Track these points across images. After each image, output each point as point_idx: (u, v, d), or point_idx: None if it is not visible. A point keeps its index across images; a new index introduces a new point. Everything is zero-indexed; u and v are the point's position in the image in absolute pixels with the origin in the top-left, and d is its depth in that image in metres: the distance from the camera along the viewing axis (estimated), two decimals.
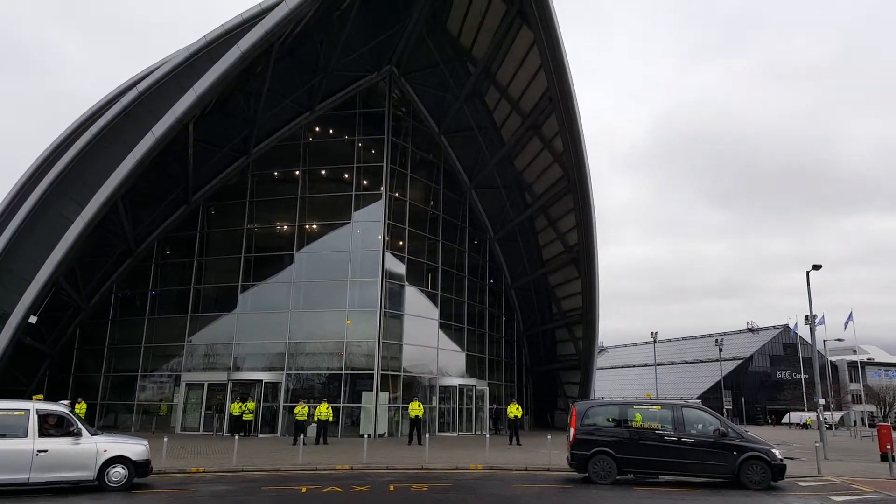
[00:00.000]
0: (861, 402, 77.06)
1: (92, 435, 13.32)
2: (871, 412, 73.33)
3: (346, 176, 33.76)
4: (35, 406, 13.07)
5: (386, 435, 29.97)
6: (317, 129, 35.18)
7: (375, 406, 29.46)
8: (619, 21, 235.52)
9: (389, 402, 30.88)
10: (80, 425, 13.21)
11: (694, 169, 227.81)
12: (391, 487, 14.16)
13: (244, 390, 30.03)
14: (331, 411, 25.58)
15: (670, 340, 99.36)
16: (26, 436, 12.45)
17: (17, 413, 12.73)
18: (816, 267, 27.26)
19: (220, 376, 30.80)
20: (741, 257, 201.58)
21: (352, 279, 31.48)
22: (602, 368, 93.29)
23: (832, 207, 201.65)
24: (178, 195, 33.14)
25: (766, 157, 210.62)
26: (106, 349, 34.00)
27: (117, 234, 31.22)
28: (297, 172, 34.16)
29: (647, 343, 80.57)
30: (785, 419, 74.76)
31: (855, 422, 67.33)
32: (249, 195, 34.04)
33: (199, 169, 32.00)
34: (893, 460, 18.68)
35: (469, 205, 40.67)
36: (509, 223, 40.11)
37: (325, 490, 13.68)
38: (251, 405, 28.39)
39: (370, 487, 14.15)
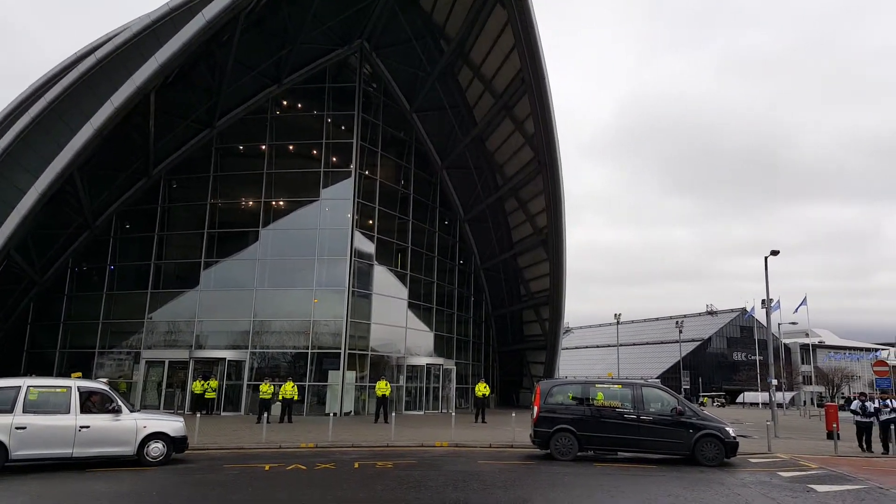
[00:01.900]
0: (811, 383, 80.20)
1: (131, 412, 13.77)
2: (821, 393, 76.34)
3: (315, 152, 33.23)
4: (76, 384, 13.52)
5: (352, 413, 30.03)
6: (285, 102, 34.47)
7: (342, 385, 29.42)
8: (586, 10, 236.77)
9: (356, 381, 30.87)
10: (120, 402, 13.66)
11: (657, 156, 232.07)
12: (356, 465, 14.21)
13: (206, 368, 29.63)
14: (296, 390, 25.46)
15: (633, 322, 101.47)
16: (69, 412, 12.90)
17: (59, 390, 13.21)
18: (774, 253, 28.01)
19: (181, 354, 30.31)
20: (702, 243, 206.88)
21: (319, 257, 31.17)
22: (567, 349, 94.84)
23: (789, 196, 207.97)
24: (138, 167, 32.20)
25: (728, 147, 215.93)
26: (62, 325, 33.09)
27: (74, 207, 30.21)
28: (264, 147, 33.47)
29: (610, 324, 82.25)
30: (739, 398, 77.34)
31: (805, 402, 70.05)
32: (213, 169, 33.27)
33: (161, 141, 31.11)
34: (838, 438, 19.52)
35: (440, 185, 40.54)
36: (480, 204, 40.16)
37: (288, 468, 13.65)
38: (214, 383, 28.08)
39: (334, 465, 14.18)
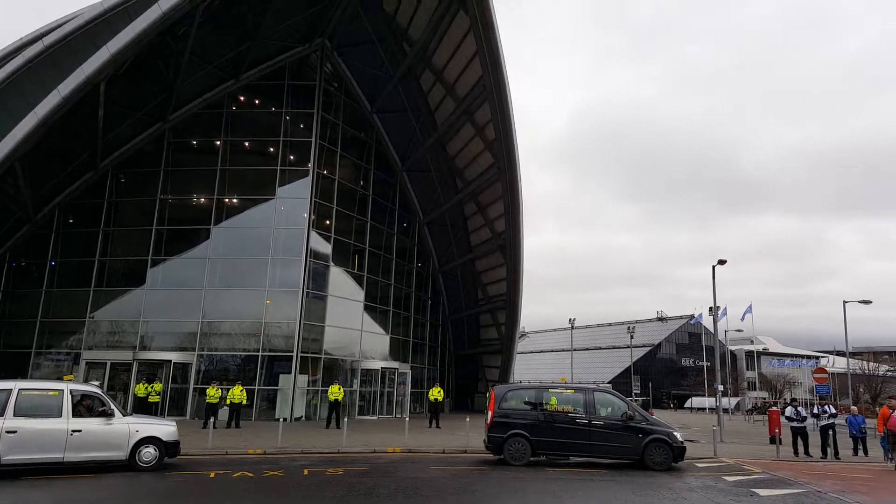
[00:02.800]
0: (755, 389, 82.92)
1: (124, 416, 13.62)
2: (764, 398, 78.91)
3: (272, 149, 32.57)
4: (69, 387, 13.32)
5: (303, 419, 29.49)
6: (242, 98, 33.72)
7: (293, 389, 28.87)
8: (540, 19, 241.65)
9: (308, 385, 30.34)
10: (113, 406, 13.52)
11: (608, 164, 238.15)
12: (305, 472, 13.92)
13: (151, 371, 28.62)
14: (245, 394, 24.85)
15: (587, 327, 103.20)
16: (60, 416, 12.72)
17: (51, 393, 13.05)
18: (721, 262, 28.85)
19: (125, 355, 29.18)
20: (651, 249, 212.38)
21: (273, 257, 30.53)
22: (522, 353, 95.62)
23: (733, 206, 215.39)
24: (85, 160, 30.94)
25: (675, 157, 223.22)
26: None
27: (13, 199, 28.80)
28: (219, 143, 32.63)
29: (565, 329, 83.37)
30: (687, 403, 79.36)
31: (749, 407, 72.24)
32: (165, 164, 32.23)
33: (110, 133, 29.96)
34: (780, 443, 20.19)
35: (400, 187, 40.34)
36: (440, 207, 40.13)
37: (234, 475, 13.28)
38: (158, 386, 27.12)
39: (283, 472, 13.85)
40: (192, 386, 28.59)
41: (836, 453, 19.85)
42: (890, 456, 17.05)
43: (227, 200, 31.99)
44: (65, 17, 25.72)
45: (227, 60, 31.76)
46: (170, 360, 28.80)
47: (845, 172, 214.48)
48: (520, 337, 52.24)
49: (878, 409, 56.12)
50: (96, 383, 21.96)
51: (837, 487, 13.11)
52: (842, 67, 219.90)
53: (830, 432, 20.10)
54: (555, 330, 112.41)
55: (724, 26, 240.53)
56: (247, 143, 33.32)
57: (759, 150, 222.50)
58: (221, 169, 32.01)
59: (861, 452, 20.72)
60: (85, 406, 13.22)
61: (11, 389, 12.59)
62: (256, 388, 28.64)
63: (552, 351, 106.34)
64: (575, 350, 76.42)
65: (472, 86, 31.31)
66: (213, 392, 23.89)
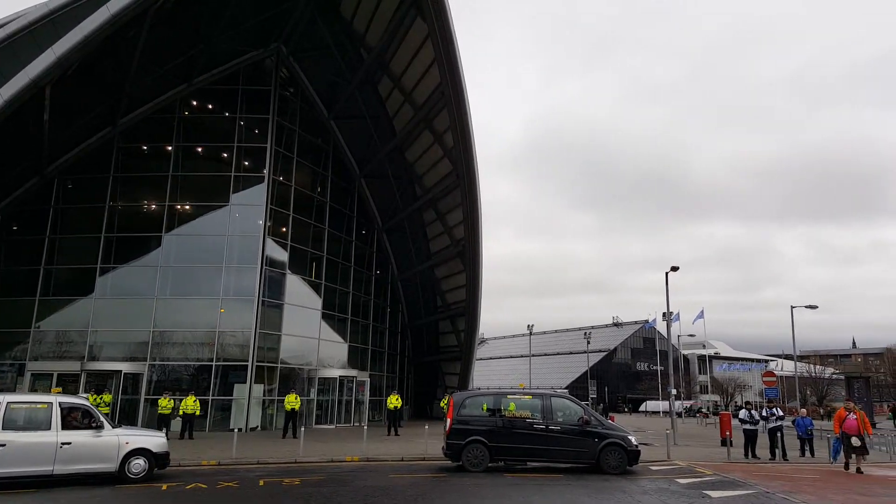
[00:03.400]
0: (708, 392, 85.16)
1: (113, 428, 13.62)
2: (716, 401, 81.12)
3: (226, 155, 31.96)
4: (58, 399, 13.29)
5: (259, 429, 28.92)
6: (194, 103, 33.01)
7: (248, 399, 28.30)
8: (497, 30, 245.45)
9: (264, 395, 29.79)
10: (102, 418, 13.49)
11: (564, 173, 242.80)
12: (261, 482, 13.66)
13: (100, 381, 27.62)
14: (198, 404, 24.24)
15: (545, 333, 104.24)
16: (50, 428, 12.71)
17: (40, 406, 13.02)
18: (674, 268, 29.59)
19: (72, 366, 28.07)
20: (606, 256, 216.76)
21: (228, 265, 29.91)
22: (482, 359, 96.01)
23: (685, 215, 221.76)
24: (29, 165, 29.77)
25: (629, 167, 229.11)
26: None
27: None
28: (170, 148, 31.84)
29: (523, 335, 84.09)
30: (642, 407, 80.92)
31: (703, 409, 74.11)
32: (114, 169, 31.27)
33: (57, 137, 28.91)
34: (731, 445, 20.77)
35: (358, 194, 40.09)
36: (399, 214, 40.02)
37: (188, 487, 12.95)
38: (107, 397, 26.19)
39: (237, 483, 13.55)
40: (143, 397, 27.74)
41: (784, 454, 20.50)
42: (835, 458, 17.45)
43: (179, 207, 31.21)
44: (6, 17, 24.74)
45: (180, 64, 31.08)
46: (120, 371, 27.87)
47: (788, 182, 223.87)
48: (479, 343, 52.47)
49: (822, 410, 58.40)
50: (85, 396, 21.49)
51: (785, 488, 13.54)
52: (785, 82, 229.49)
53: (779, 434, 20.77)
54: (514, 336, 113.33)
55: (673, 40, 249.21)
56: (200, 149, 32.64)
57: (708, 160, 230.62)
58: (173, 175, 31.25)
59: (808, 453, 21.46)
60: (74, 418, 13.19)
61: (0, 402, 12.53)
62: (210, 398, 27.96)
63: (511, 357, 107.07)
64: (533, 356, 77.15)
65: (430, 93, 31.41)
66: (165, 403, 23.24)
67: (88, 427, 13.18)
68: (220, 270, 29.79)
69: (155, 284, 29.57)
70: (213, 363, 28.59)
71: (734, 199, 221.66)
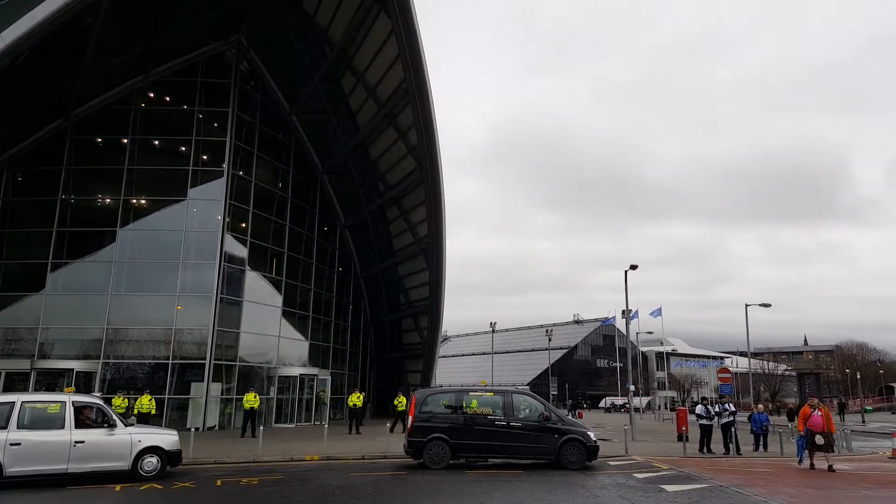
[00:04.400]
0: (665, 388, 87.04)
1: (126, 426, 13.75)
2: (673, 397, 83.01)
3: (184, 149, 31.20)
4: (70, 398, 13.45)
5: (217, 428, 28.37)
6: (152, 95, 32.14)
7: (206, 397, 27.72)
8: (458, 30, 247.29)
9: (222, 394, 29.22)
10: (115, 416, 13.62)
11: (526, 172, 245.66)
12: (218, 482, 13.41)
13: (51, 380, 26.70)
14: (154, 403, 23.55)
15: (507, 330, 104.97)
16: (63, 427, 12.81)
17: (53, 405, 13.20)
18: (633, 267, 30.15)
19: (21, 364, 27.06)
20: (568, 255, 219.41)
21: (185, 261, 29.22)
22: (445, 357, 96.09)
23: (643, 215, 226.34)
24: None
25: (590, 167, 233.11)
26: None
27: None
28: (126, 141, 30.91)
29: (486, 332, 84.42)
30: (602, 403, 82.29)
31: (659, 406, 75.82)
32: (67, 162, 30.24)
33: (6, 128, 27.84)
34: (687, 440, 21.25)
35: (320, 190, 39.64)
36: (362, 211, 39.72)
37: (142, 488, 12.64)
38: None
39: (194, 483, 13.27)
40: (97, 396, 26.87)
41: (738, 449, 21.04)
42: (801, 456, 17.44)
43: (135, 201, 30.38)
44: None
45: (137, 55, 30.16)
46: (72, 369, 26.98)
47: (743, 184, 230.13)
48: (442, 341, 52.50)
49: (771, 406, 60.23)
50: (98, 394, 21.11)
51: (738, 482, 13.91)
52: (739, 86, 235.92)
53: (732, 429, 21.34)
54: (476, 333, 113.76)
55: (633, 44, 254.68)
56: (157, 142, 31.79)
57: (666, 161, 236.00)
58: (129, 168, 30.39)
59: (762, 448, 22.08)
60: (87, 417, 13.32)
61: (14, 402, 12.71)
62: (166, 397, 27.31)
63: (474, 354, 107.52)
64: (496, 353, 77.60)
65: (394, 89, 31.22)
66: (119, 402, 22.55)
67: (101, 426, 13.30)
68: (178, 266, 29.10)
69: (109, 280, 28.72)
70: (170, 361, 27.92)
71: (691, 200, 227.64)
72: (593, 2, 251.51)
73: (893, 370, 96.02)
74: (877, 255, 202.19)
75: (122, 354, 28.15)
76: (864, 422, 48.68)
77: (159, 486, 12.77)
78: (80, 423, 13.09)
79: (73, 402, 13.23)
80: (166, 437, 14.18)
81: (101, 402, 14.07)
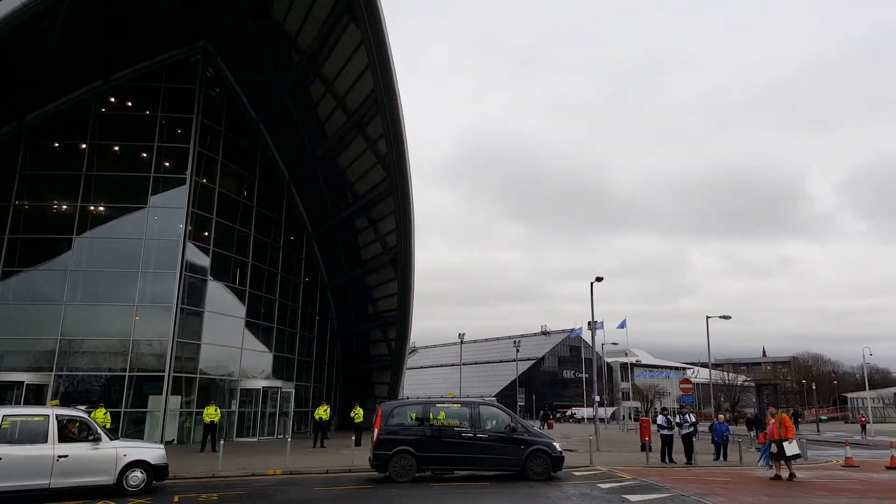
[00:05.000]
0: (630, 399, 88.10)
1: (111, 440, 13.52)
2: (637, 408, 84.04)
3: (145, 155, 30.46)
4: (54, 412, 13.17)
5: (175, 442, 27.54)
6: (112, 99, 31.35)
7: (164, 411, 26.94)
8: (426, 43, 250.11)
9: (182, 407, 28.46)
10: (100, 430, 13.40)
11: (492, 184, 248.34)
12: (176, 498, 12.99)
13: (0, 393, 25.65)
14: (108, 417, 22.68)
15: (475, 341, 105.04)
16: (46, 441, 12.56)
17: (36, 419, 12.95)
18: (599, 279, 30.48)
19: None
20: (533, 266, 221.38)
21: (144, 270, 28.44)
22: (413, 368, 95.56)
23: (606, 227, 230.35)
24: None
25: (555, 180, 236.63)
26: None
27: None
28: (85, 146, 30.07)
29: (454, 344, 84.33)
30: (572, 413, 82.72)
31: (623, 416, 76.64)
32: (21, 167, 29.26)
33: None
34: (650, 450, 21.44)
35: (287, 198, 39.16)
36: (330, 221, 39.33)
37: (99, 503, 12.17)
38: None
39: (150, 499, 12.81)
40: None
41: (690, 459, 21.17)
42: (770, 464, 17.27)
43: (93, 208, 29.53)
44: None
45: (98, 58, 29.50)
46: (22, 382, 25.98)
47: (701, 198, 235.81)
48: (410, 352, 52.18)
49: (728, 416, 61.34)
50: (82, 408, 20.44)
51: (699, 491, 14.05)
52: (695, 104, 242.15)
53: (693, 439, 21.62)
54: (445, 345, 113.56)
55: (593, 60, 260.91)
56: (117, 148, 30.99)
57: (627, 175, 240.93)
58: (87, 175, 29.56)
59: (722, 457, 22.40)
60: (71, 431, 13.12)
61: None
62: (123, 410, 26.43)
63: (442, 366, 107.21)
64: (464, 364, 77.45)
65: (363, 99, 31.11)
66: (100, 415, 21.69)
67: (86, 439, 13.09)
68: (137, 276, 28.30)
69: (64, 290, 27.78)
70: (127, 373, 27.08)
71: (652, 214, 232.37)
72: (553, 20, 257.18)
73: (847, 381, 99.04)
74: (830, 269, 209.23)
75: (77, 366, 27.20)
76: (818, 431, 49.92)
77: (113, 503, 12.30)
78: (64, 436, 12.87)
79: (56, 416, 12.99)
80: (152, 451, 13.99)
81: (85, 416, 13.84)
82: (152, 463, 13.62)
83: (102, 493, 13.04)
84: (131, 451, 13.53)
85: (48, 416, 12.91)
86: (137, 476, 13.32)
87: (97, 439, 13.15)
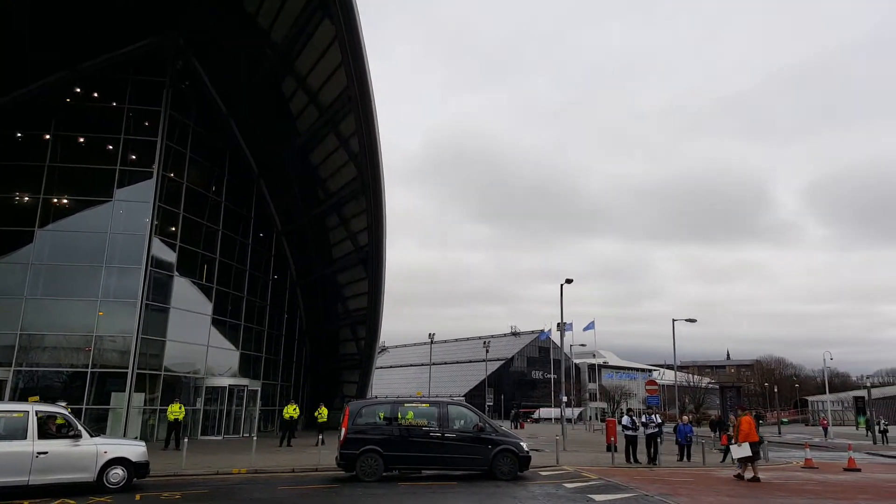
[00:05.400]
0: (597, 400, 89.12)
1: (91, 436, 13.43)
2: (604, 408, 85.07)
3: (111, 147, 29.79)
4: (34, 408, 13.08)
5: (139, 440, 26.96)
6: (78, 90, 30.58)
7: (127, 408, 26.40)
8: (395, 42, 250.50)
9: (146, 404, 27.93)
10: (80, 427, 13.32)
11: (461, 186, 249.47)
12: (137, 496, 12.75)
13: None
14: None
15: (445, 342, 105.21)
16: (26, 438, 12.48)
17: (16, 415, 12.79)
18: (569, 281, 30.81)
19: None
20: (503, 268, 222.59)
21: (108, 265, 27.81)
22: (382, 367, 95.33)
23: (574, 231, 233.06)
24: None
25: (523, 183, 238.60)
26: None
27: None
28: (49, 137, 29.34)
29: (424, 343, 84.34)
30: (536, 414, 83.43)
31: (590, 417, 77.55)
32: None
33: None
34: (615, 451, 21.76)
35: (257, 195, 38.68)
36: (300, 218, 38.95)
37: (54, 503, 11.86)
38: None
39: (111, 498, 12.55)
40: None
41: (653, 458, 21.56)
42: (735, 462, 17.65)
43: (56, 201, 28.78)
44: None
45: (64, 47, 28.71)
46: None
47: (665, 204, 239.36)
48: (380, 352, 51.99)
49: (690, 417, 62.65)
50: (63, 404, 19.89)
51: (663, 491, 14.31)
52: (659, 111, 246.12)
53: (658, 439, 22.00)
54: (415, 344, 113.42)
55: (561, 66, 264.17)
56: (82, 140, 30.23)
57: (594, 179, 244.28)
58: (51, 166, 28.81)
59: (686, 458, 22.83)
60: (51, 427, 12.99)
61: None
62: (84, 407, 25.80)
63: (412, 365, 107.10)
64: (434, 364, 77.56)
65: (336, 96, 30.89)
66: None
67: (66, 436, 12.98)
68: (101, 270, 27.67)
69: (25, 283, 27.04)
70: (89, 370, 26.45)
71: (617, 218, 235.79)
72: (521, 23, 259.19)
73: (808, 384, 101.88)
74: (791, 274, 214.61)
75: (37, 362, 26.49)
76: (780, 433, 51.16)
77: (71, 502, 12.01)
78: (44, 433, 12.74)
79: (36, 412, 12.87)
80: (133, 448, 13.91)
81: (66, 412, 13.68)
82: (133, 460, 13.58)
83: (82, 490, 12.94)
84: (112, 449, 13.48)
85: (28, 412, 12.79)
86: (118, 473, 13.28)
87: (77, 436, 13.07)
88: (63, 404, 18.23)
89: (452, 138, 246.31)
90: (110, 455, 13.28)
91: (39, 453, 12.43)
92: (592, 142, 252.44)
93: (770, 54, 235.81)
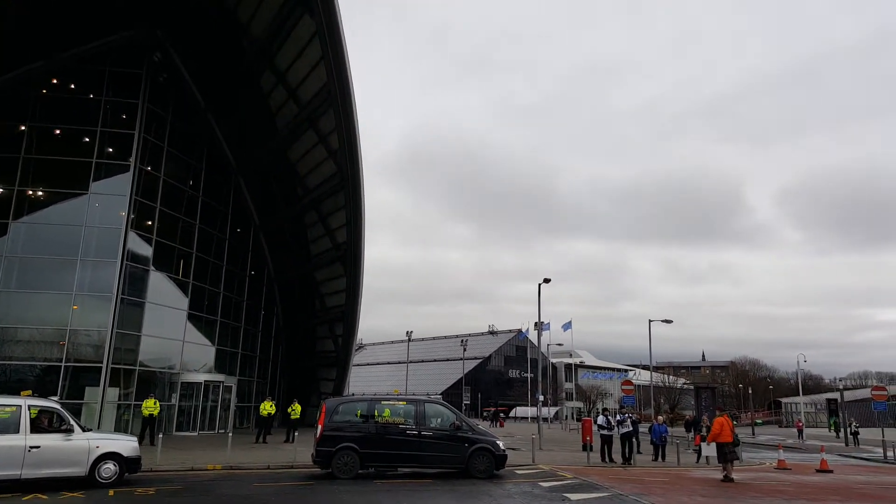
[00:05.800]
0: (573, 399, 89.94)
1: (84, 431, 13.49)
2: (580, 408, 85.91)
3: (87, 140, 29.29)
4: (26, 402, 13.06)
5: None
6: (54, 81, 30.02)
7: (101, 403, 26.04)
8: (374, 39, 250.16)
9: (120, 399, 27.58)
10: (72, 421, 13.36)
11: (439, 184, 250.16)
12: (111, 492, 12.64)
13: None
14: None
15: (423, 340, 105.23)
16: (18, 432, 12.50)
17: (8, 409, 12.75)
18: (546, 280, 31.07)
19: None
20: (480, 266, 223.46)
21: (83, 258, 27.37)
22: (359, 365, 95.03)
23: (551, 231, 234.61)
24: None
25: (501, 182, 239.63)
26: None
27: None
28: (24, 128, 28.77)
29: (402, 341, 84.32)
30: (512, 413, 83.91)
31: (566, 416, 78.23)
32: None
33: None
34: (591, 450, 22.02)
35: (235, 190, 38.31)
36: (278, 214, 38.67)
37: (25, 498, 11.76)
38: None
39: (83, 493, 12.42)
40: None
41: (628, 458, 21.84)
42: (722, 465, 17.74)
43: (30, 193, 28.26)
44: None
45: (39, 38, 28.17)
46: None
47: (642, 205, 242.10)
48: (357, 349, 51.86)
49: (663, 417, 63.56)
50: (55, 398, 20.03)
51: (637, 490, 14.51)
52: (638, 113, 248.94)
53: (633, 439, 22.30)
54: (392, 342, 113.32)
55: (540, 66, 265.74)
56: (58, 131, 29.70)
57: (573, 180, 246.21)
58: (26, 157, 28.28)
59: (660, 458, 23.16)
60: (43, 422, 13.04)
61: None
62: (58, 401, 25.28)
63: (389, 363, 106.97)
64: (411, 362, 77.58)
65: (316, 92, 30.70)
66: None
67: (58, 430, 13.05)
68: (75, 264, 27.23)
69: None
70: (63, 364, 26.04)
71: (595, 219, 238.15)
72: (501, 23, 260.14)
73: (782, 386, 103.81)
74: (766, 277, 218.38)
75: (9, 355, 26.01)
76: (754, 434, 51.93)
77: (44, 497, 11.87)
78: (37, 427, 12.78)
79: (28, 406, 12.88)
80: (125, 444, 13.96)
81: (58, 406, 13.65)
82: (125, 455, 13.65)
83: (74, 484, 12.97)
84: (104, 443, 13.52)
85: (20, 406, 12.78)
86: (110, 468, 13.34)
87: (70, 430, 13.09)
88: (55, 399, 18.07)
89: (430, 137, 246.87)
90: (102, 450, 13.34)
91: (32, 447, 12.47)
92: (571, 142, 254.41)
93: (748, 58, 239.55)
